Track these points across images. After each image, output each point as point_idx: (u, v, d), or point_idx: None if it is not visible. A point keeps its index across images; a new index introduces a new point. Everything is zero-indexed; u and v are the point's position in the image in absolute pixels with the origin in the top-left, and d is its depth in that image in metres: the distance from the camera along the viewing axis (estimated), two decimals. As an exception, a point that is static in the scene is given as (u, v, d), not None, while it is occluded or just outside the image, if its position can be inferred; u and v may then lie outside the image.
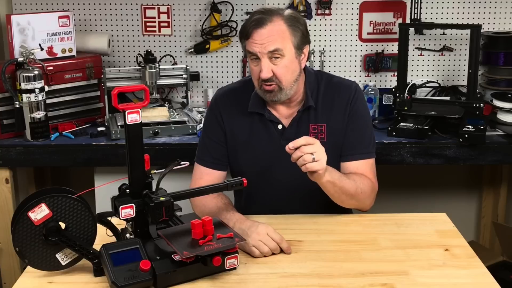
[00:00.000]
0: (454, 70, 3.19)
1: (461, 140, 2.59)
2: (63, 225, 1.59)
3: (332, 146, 2.03)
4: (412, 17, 2.92)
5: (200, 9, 3.11)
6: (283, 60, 1.93)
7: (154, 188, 1.66)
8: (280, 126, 2.06)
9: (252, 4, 3.09)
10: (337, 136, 2.06)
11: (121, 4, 3.10)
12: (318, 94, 2.07)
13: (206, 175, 2.08)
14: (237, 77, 3.17)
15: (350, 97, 2.07)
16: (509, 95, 2.84)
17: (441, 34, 3.12)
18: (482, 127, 2.60)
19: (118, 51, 3.15)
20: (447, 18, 3.13)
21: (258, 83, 1.97)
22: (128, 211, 1.62)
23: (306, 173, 1.80)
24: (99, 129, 2.76)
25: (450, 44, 3.15)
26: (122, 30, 3.13)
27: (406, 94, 2.79)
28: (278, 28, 1.91)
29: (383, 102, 2.90)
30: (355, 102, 2.07)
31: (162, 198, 1.62)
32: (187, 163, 1.72)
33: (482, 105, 2.68)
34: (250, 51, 1.94)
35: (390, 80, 3.18)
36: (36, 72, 2.60)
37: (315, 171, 1.77)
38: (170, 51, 3.14)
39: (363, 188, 1.97)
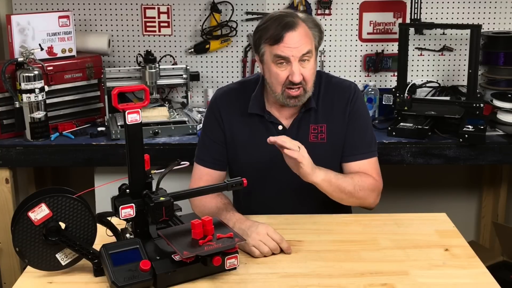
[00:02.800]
0: (454, 70, 3.19)
1: (461, 140, 2.59)
2: (63, 225, 1.59)
3: (332, 146, 2.04)
4: (412, 17, 2.92)
5: (200, 9, 3.11)
6: (310, 63, 1.93)
7: (154, 188, 1.66)
8: (280, 127, 2.06)
9: (252, 4, 3.09)
10: (337, 136, 2.06)
11: (121, 4, 3.10)
12: (318, 94, 2.07)
13: (205, 175, 2.08)
14: (237, 77, 3.17)
15: (350, 98, 2.07)
16: (509, 95, 2.83)
17: (441, 34, 3.12)
18: (482, 127, 2.60)
19: (118, 51, 3.15)
20: (447, 18, 3.13)
21: (282, 88, 1.94)
22: (128, 211, 1.62)
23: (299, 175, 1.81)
24: (99, 129, 2.76)
25: (450, 44, 3.15)
26: (122, 30, 3.13)
27: (406, 94, 2.79)
28: (305, 30, 1.92)
29: (383, 102, 2.90)
30: (354, 102, 2.07)
31: (162, 198, 1.62)
32: (187, 163, 1.72)
33: (482, 105, 2.68)
34: (282, 55, 1.90)
35: (390, 80, 3.18)
36: (36, 72, 2.60)
37: (295, 158, 1.79)
38: (170, 51, 3.14)
39: (361, 185, 1.97)
